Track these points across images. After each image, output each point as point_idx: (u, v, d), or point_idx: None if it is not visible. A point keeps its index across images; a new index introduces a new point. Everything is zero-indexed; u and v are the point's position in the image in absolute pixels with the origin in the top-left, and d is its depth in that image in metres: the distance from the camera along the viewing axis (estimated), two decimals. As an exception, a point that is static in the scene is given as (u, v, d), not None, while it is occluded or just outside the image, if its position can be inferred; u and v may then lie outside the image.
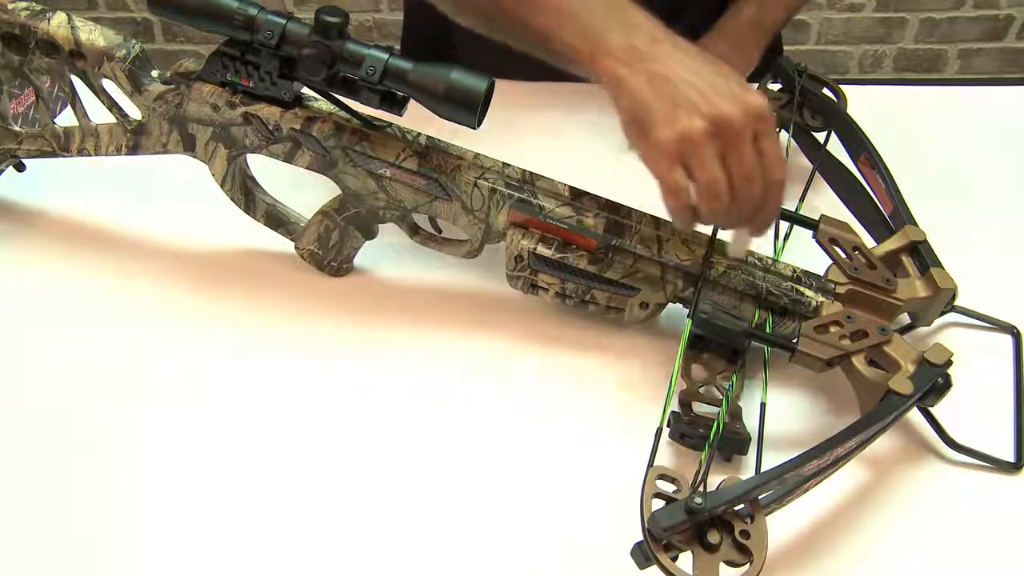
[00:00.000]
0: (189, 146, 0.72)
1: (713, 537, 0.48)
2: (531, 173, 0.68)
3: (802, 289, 0.65)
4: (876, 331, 0.62)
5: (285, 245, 0.75)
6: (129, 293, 0.73)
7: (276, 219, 0.75)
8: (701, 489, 0.49)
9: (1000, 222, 0.81)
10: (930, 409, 0.61)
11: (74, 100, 0.73)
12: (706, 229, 0.65)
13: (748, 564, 0.48)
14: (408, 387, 0.66)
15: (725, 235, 0.66)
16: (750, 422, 0.61)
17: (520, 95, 0.83)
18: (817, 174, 0.80)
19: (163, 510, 0.58)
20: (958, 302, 0.67)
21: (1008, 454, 0.62)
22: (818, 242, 0.68)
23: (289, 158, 0.70)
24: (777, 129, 0.84)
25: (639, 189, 0.71)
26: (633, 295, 0.67)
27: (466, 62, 0.62)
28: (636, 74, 0.58)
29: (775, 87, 0.86)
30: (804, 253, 0.69)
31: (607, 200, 0.67)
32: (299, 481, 0.60)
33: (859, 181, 0.77)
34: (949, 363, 0.60)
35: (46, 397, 0.65)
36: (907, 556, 0.56)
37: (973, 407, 0.63)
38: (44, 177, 0.80)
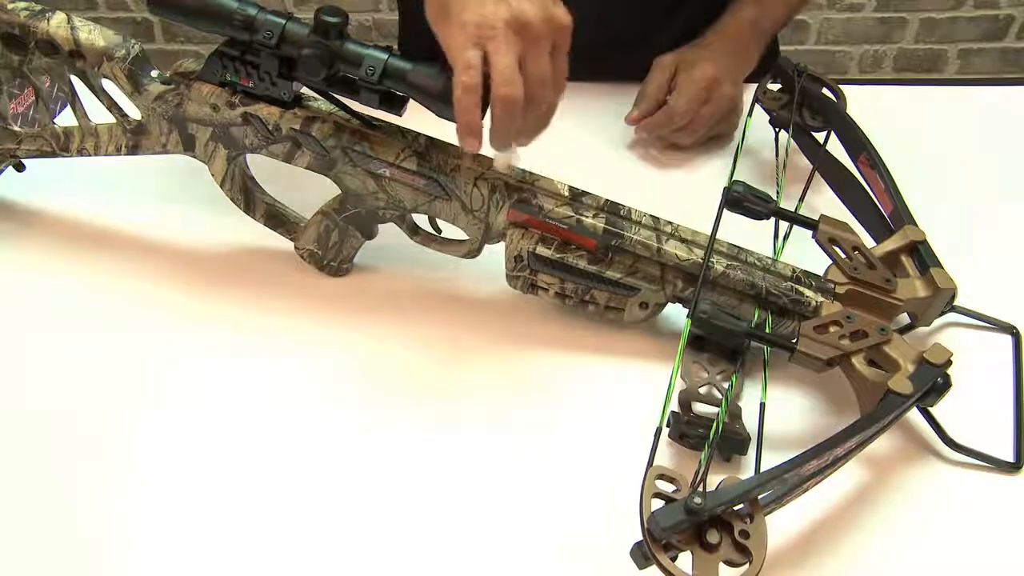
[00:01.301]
0: (189, 146, 0.72)
1: (712, 537, 0.48)
2: (531, 173, 0.68)
3: (802, 289, 0.65)
4: (876, 331, 0.62)
5: (285, 245, 0.75)
6: (129, 293, 0.73)
7: (276, 219, 0.75)
8: (701, 489, 0.49)
9: (1000, 222, 0.81)
10: (930, 409, 0.61)
11: (74, 100, 0.73)
12: (699, 226, 0.66)
13: (747, 564, 0.48)
14: (407, 387, 0.66)
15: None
16: (750, 422, 0.61)
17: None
18: (817, 174, 0.80)
19: (163, 510, 0.58)
20: (958, 302, 0.67)
21: (1008, 454, 0.62)
22: (818, 242, 0.68)
23: (289, 158, 0.70)
24: (776, 129, 0.84)
25: (639, 189, 0.71)
26: (633, 295, 0.67)
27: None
28: None
29: (775, 87, 0.86)
30: (804, 253, 0.69)
31: (607, 200, 0.67)
32: (299, 481, 0.60)
33: (859, 181, 0.77)
34: (949, 363, 0.60)
35: (46, 397, 0.65)
36: (907, 556, 0.56)
37: (973, 407, 0.63)
38: (44, 177, 0.80)
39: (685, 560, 0.48)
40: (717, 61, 0.87)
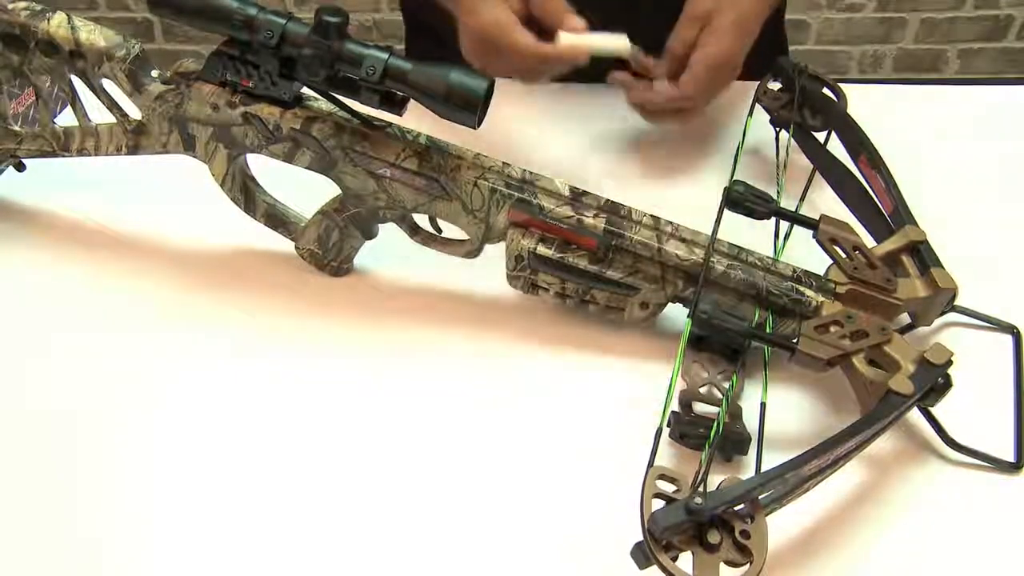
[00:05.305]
0: (189, 146, 0.72)
1: (713, 537, 0.48)
2: (531, 173, 0.68)
3: (802, 289, 0.65)
4: (876, 331, 0.62)
5: (285, 245, 0.75)
6: (129, 293, 0.73)
7: (276, 219, 0.75)
8: (701, 489, 0.49)
9: (1000, 222, 0.81)
10: (930, 409, 0.61)
11: (74, 100, 0.73)
12: (699, 226, 0.66)
13: (748, 564, 0.48)
14: (407, 387, 0.66)
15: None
16: (750, 422, 0.61)
17: (521, 95, 0.83)
18: (817, 174, 0.80)
19: (163, 510, 0.58)
20: (958, 302, 0.67)
21: (1008, 454, 0.62)
22: (818, 242, 0.68)
23: (289, 158, 0.70)
24: (777, 129, 0.84)
25: (639, 189, 0.71)
26: (633, 295, 0.67)
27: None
28: None
29: (775, 86, 0.86)
30: (804, 253, 0.69)
31: (607, 200, 0.67)
32: (300, 481, 0.60)
33: (859, 181, 0.77)
34: (949, 363, 0.60)
35: (46, 397, 0.65)
36: (907, 556, 0.56)
37: (973, 407, 0.63)
38: (44, 177, 0.80)
39: (686, 560, 0.48)
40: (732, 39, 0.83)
